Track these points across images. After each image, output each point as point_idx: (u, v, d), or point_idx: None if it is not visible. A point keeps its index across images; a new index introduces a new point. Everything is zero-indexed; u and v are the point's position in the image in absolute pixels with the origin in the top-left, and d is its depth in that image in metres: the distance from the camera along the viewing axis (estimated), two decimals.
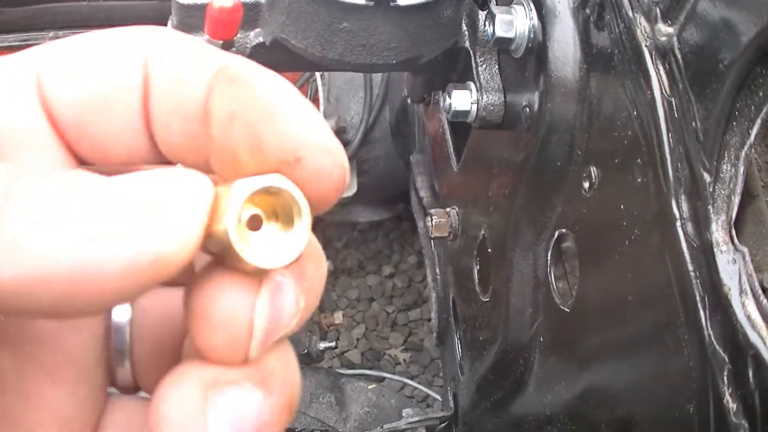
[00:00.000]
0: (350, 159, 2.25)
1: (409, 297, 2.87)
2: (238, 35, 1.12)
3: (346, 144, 2.22)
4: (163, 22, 1.79)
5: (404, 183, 2.32)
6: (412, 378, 2.69)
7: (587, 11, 1.03)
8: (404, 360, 2.75)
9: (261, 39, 1.12)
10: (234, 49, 1.12)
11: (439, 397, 2.46)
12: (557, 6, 1.07)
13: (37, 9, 1.83)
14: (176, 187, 0.41)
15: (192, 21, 1.11)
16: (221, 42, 0.91)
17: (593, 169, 1.02)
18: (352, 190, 2.31)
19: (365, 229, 2.90)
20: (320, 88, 1.96)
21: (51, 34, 1.86)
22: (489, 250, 1.31)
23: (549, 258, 1.15)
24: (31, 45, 1.52)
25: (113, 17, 1.83)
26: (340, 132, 2.19)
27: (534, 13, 1.09)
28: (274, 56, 1.12)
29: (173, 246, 0.40)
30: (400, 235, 2.97)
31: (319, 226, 2.88)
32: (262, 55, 1.13)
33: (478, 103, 1.17)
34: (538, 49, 1.09)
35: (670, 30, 0.88)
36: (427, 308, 2.81)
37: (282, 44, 1.08)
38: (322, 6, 0.99)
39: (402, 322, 2.83)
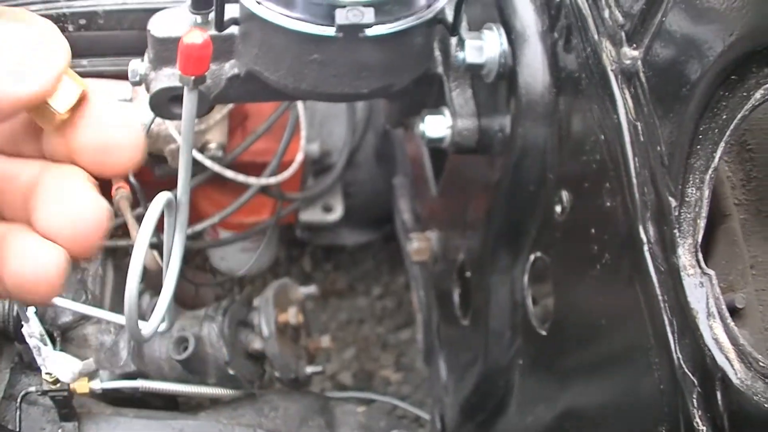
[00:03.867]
0: (335, 182, 2.25)
1: (399, 317, 2.87)
2: (213, 66, 1.13)
3: (330, 167, 2.23)
4: (140, 52, 1.80)
5: (390, 204, 2.33)
6: (403, 399, 2.69)
7: (555, 35, 1.05)
8: (396, 380, 2.75)
9: (236, 71, 1.13)
10: (209, 80, 1.13)
11: (429, 418, 2.47)
12: (526, 30, 1.08)
13: None
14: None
15: (168, 54, 1.13)
16: (193, 78, 0.91)
17: (564, 194, 1.03)
18: (338, 213, 2.31)
19: (354, 251, 2.91)
20: (301, 114, 1.97)
21: None
22: (467, 274, 1.32)
23: (525, 282, 1.16)
24: None
25: (94, 48, 1.83)
26: (324, 155, 2.20)
27: (504, 38, 1.11)
28: (250, 87, 1.14)
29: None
30: (388, 255, 2.97)
31: (306, 249, 2.89)
32: (237, 86, 1.14)
33: (452, 129, 1.18)
34: (508, 74, 1.10)
35: (635, 53, 0.89)
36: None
37: (256, 76, 1.09)
38: (292, 38, 1.00)
39: (393, 342, 2.83)
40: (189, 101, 0.91)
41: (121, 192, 1.67)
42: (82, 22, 1.78)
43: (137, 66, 1.18)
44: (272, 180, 1.96)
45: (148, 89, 1.17)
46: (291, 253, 2.66)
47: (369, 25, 0.95)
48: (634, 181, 0.88)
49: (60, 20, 1.77)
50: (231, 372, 1.77)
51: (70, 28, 1.79)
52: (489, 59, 1.11)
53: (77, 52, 1.82)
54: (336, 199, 2.28)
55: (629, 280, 0.89)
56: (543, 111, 1.06)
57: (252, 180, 1.93)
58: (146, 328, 0.94)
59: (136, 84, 1.19)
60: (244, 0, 1.03)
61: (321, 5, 0.96)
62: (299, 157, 2.02)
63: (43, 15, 1.63)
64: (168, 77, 1.14)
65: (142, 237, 0.84)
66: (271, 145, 2.00)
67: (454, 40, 1.14)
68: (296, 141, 2.03)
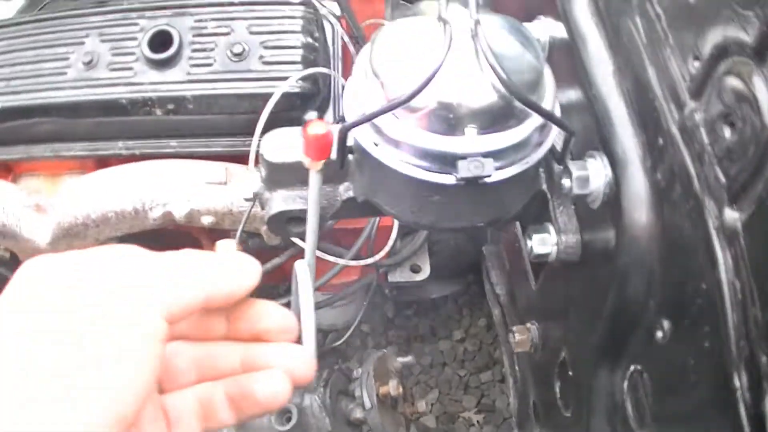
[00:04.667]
0: (423, 244, 2.31)
1: (480, 360, 2.93)
2: (327, 188, 1.19)
3: (417, 229, 2.28)
4: (231, 134, 1.83)
5: (473, 257, 2.38)
6: None
7: (658, 175, 1.09)
8: (478, 421, 2.81)
9: (351, 194, 1.19)
10: (325, 201, 1.20)
11: None
12: (630, 163, 1.12)
13: (103, 121, 1.88)
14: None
15: (282, 178, 1.19)
16: (321, 162, 1.04)
17: (665, 322, 1.08)
18: (425, 273, 2.37)
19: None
20: None
21: (120, 143, 1.91)
22: (570, 372, 1.37)
23: (625, 388, 1.21)
24: (99, 154, 1.56)
25: (183, 129, 1.88)
26: None
27: (608, 168, 1.15)
28: (365, 209, 1.20)
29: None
30: (468, 300, 3.02)
31: (388, 301, 2.96)
32: (353, 207, 1.21)
33: (557, 246, 1.24)
34: (613, 200, 1.14)
35: (736, 215, 0.92)
36: (499, 369, 2.87)
37: (374, 204, 1.16)
38: (410, 182, 1.05)
39: (474, 384, 2.89)
40: (315, 181, 1.07)
41: None
42: (171, 106, 1.82)
43: (251, 184, 1.23)
44: (369, 261, 2.02)
45: (262, 207, 1.23)
46: (373, 299, 2.72)
47: (488, 176, 1.01)
48: (732, 333, 0.92)
49: (147, 104, 1.81)
50: None
51: (158, 112, 1.82)
52: (594, 189, 1.16)
53: (165, 134, 1.88)
54: (423, 260, 2.34)
55: (723, 415, 0.94)
56: (647, 244, 1.10)
57: (352, 262, 1.99)
58: None
59: (249, 200, 1.24)
60: (361, 140, 1.09)
61: (443, 156, 1.02)
62: (394, 233, 2.08)
63: (128, 99, 1.70)
64: (284, 200, 1.20)
65: (307, 303, 0.94)
66: None
67: (558, 167, 1.19)
68: None
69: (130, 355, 0.76)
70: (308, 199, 1.09)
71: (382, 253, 2.05)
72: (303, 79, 1.77)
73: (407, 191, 1.08)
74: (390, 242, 2.07)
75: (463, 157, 1.01)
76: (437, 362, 2.93)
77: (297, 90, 1.77)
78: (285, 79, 1.75)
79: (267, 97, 1.72)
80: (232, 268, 0.87)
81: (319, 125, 1.00)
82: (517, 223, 1.65)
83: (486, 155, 1.01)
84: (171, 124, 1.87)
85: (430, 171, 1.03)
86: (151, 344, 0.78)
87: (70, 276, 0.80)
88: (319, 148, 1.02)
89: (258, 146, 1.21)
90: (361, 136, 1.08)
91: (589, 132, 1.20)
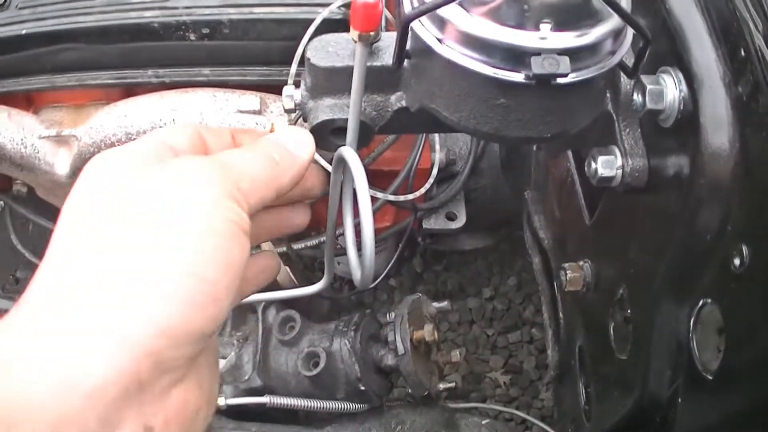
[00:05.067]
0: (459, 191, 2.24)
1: (508, 319, 2.87)
2: (377, 97, 1.11)
3: (454, 175, 2.22)
4: (267, 63, 1.77)
5: (508, 209, 2.32)
6: (511, 401, 2.70)
7: (739, 89, 1.02)
8: (504, 383, 2.75)
9: (404, 103, 1.11)
10: (374, 111, 1.12)
11: (538, 422, 2.47)
12: (708, 77, 1.05)
13: (133, 47, 1.81)
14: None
15: (329, 84, 1.11)
16: (370, 34, 1.00)
17: (744, 248, 1.01)
18: (461, 222, 2.30)
19: (465, 252, 2.91)
20: None
21: (150, 71, 1.83)
22: (628, 311, 1.31)
23: (691, 325, 1.14)
24: (128, 83, 1.51)
25: (217, 57, 1.80)
26: (449, 164, 2.18)
27: (683, 84, 1.08)
28: (419, 120, 1.11)
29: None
30: (499, 257, 2.97)
31: (417, 250, 2.90)
32: (404, 119, 1.12)
33: (623, 169, 1.17)
34: (688, 120, 1.08)
35: None
36: (527, 330, 2.81)
37: (430, 112, 1.08)
38: (477, 82, 0.97)
39: (502, 344, 2.83)
40: (361, 55, 1.02)
41: None
42: (205, 31, 1.74)
43: (293, 92, 1.15)
44: (410, 196, 1.95)
45: (305, 119, 1.15)
46: (402, 253, 2.66)
47: (564, 75, 0.93)
48: None
49: (180, 29, 1.74)
50: (361, 387, 1.77)
51: (192, 37, 1.75)
52: (669, 105, 1.09)
53: (198, 61, 1.81)
54: (459, 208, 2.26)
55: None
56: (727, 163, 1.03)
57: (390, 197, 1.93)
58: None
59: (289, 111, 1.16)
60: (424, 35, 1.00)
61: (514, 51, 0.94)
62: (434, 172, 2.01)
63: (160, 23, 1.64)
64: (330, 108, 1.12)
65: (363, 191, 0.91)
66: (399, 153, 1.99)
67: (627, 82, 1.13)
68: (426, 150, 2.02)
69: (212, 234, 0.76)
70: (353, 76, 1.04)
71: (422, 190, 1.97)
72: (345, 5, 1.68)
73: (471, 93, 1.00)
74: (431, 179, 2.00)
75: (537, 53, 0.93)
76: (465, 320, 2.87)
77: (339, 17, 1.68)
78: (327, 5, 1.67)
79: (307, 23, 1.64)
80: (294, 150, 0.92)
81: None
82: (570, 156, 1.58)
83: (561, 53, 0.93)
84: (204, 51, 1.79)
85: (497, 68, 0.95)
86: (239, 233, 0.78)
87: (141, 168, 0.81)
88: (368, 16, 0.97)
89: (304, 51, 1.13)
90: (424, 32, 1.00)
91: (660, 50, 1.13)
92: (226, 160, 0.84)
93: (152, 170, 0.80)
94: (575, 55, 0.95)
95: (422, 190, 1.98)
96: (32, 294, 0.73)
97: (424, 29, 1.00)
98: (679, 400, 1.19)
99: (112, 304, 0.70)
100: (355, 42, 1.01)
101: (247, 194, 0.82)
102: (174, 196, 0.77)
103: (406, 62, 1.08)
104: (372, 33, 1.00)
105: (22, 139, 1.85)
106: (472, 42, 0.96)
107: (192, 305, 0.72)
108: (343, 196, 1.07)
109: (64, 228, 0.78)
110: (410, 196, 1.97)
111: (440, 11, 0.97)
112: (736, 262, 1.02)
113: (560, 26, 0.94)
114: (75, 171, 1.85)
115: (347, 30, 1.03)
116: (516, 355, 2.81)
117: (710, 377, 1.10)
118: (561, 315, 1.77)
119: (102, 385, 0.67)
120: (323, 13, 1.64)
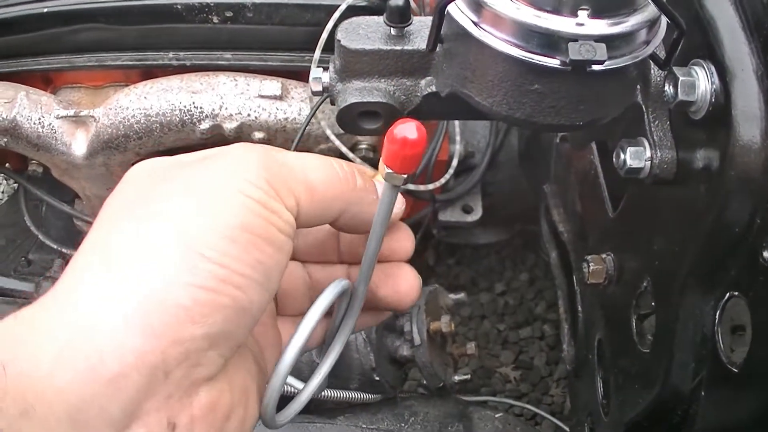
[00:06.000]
0: (476, 184, 2.24)
1: (520, 315, 2.87)
2: (407, 82, 1.11)
3: (472, 168, 2.22)
4: (289, 48, 1.76)
5: (524, 203, 2.31)
6: (521, 396, 2.69)
7: None
8: (515, 378, 2.75)
9: (434, 89, 1.10)
10: (403, 96, 1.11)
11: (548, 416, 2.46)
12: (741, 70, 1.05)
13: (153, 29, 1.81)
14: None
15: (359, 67, 1.10)
16: (403, 177, 0.86)
17: None
18: (477, 215, 2.30)
19: (478, 246, 2.90)
20: None
21: (171, 54, 1.83)
22: (652, 304, 1.30)
23: (717, 317, 1.14)
24: (148, 65, 1.51)
25: (239, 40, 1.81)
26: (467, 157, 2.18)
27: (715, 76, 1.08)
28: (448, 106, 1.10)
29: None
30: (512, 252, 2.96)
31: (431, 242, 2.88)
32: (433, 104, 1.11)
33: (651, 161, 1.16)
34: (719, 112, 1.07)
35: None
36: (538, 327, 2.80)
37: (460, 97, 1.07)
38: (511, 66, 0.97)
39: (513, 340, 2.83)
40: (388, 197, 0.90)
41: None
42: (229, 14, 1.74)
43: (320, 75, 1.14)
44: (430, 186, 1.95)
45: (333, 102, 1.14)
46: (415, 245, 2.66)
47: (601, 62, 0.92)
48: None
49: (203, 11, 1.73)
50: (375, 378, 1.76)
51: (215, 20, 1.75)
52: (701, 97, 1.09)
53: (220, 45, 1.81)
54: (476, 201, 2.27)
55: None
56: (758, 155, 1.03)
57: (410, 186, 1.92)
58: (282, 415, 0.90)
59: (317, 94, 1.15)
60: (460, 18, 0.99)
61: (551, 37, 0.93)
62: (454, 163, 2.01)
63: (183, 5, 1.64)
64: (359, 91, 1.10)
65: (307, 321, 0.85)
66: None
67: (658, 73, 1.13)
68: (445, 141, 2.02)
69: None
70: (374, 219, 0.93)
71: (442, 180, 1.97)
72: None
73: (505, 77, 0.99)
74: (450, 170, 1.99)
75: (574, 39, 0.92)
76: (476, 314, 2.87)
77: (364, 3, 1.68)
78: None
79: (332, 9, 1.64)
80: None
81: (411, 127, 0.84)
82: (594, 149, 1.58)
83: (599, 40, 0.93)
84: (227, 34, 1.79)
85: (533, 53, 0.95)
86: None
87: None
88: (408, 157, 0.86)
89: (330, 35, 1.11)
90: (460, 15, 0.99)
91: (692, 43, 1.12)
92: (282, 158, 0.82)
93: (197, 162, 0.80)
94: (611, 42, 0.94)
95: (442, 181, 1.97)
96: (81, 258, 0.73)
97: (460, 13, 0.99)
98: (702, 393, 1.19)
99: (138, 289, 0.69)
100: (383, 180, 0.90)
101: (299, 195, 0.80)
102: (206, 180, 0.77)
103: (438, 47, 1.07)
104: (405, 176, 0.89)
105: (39, 119, 1.85)
106: (509, 26, 0.95)
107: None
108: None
109: (103, 214, 0.77)
110: (430, 186, 1.96)
111: None
112: (766, 254, 1.01)
113: (597, 13, 0.93)
114: (92, 152, 1.85)
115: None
116: (527, 351, 2.81)
117: (735, 370, 1.10)
118: (579, 309, 1.76)
119: (126, 372, 0.66)
120: (348, 0, 1.64)
